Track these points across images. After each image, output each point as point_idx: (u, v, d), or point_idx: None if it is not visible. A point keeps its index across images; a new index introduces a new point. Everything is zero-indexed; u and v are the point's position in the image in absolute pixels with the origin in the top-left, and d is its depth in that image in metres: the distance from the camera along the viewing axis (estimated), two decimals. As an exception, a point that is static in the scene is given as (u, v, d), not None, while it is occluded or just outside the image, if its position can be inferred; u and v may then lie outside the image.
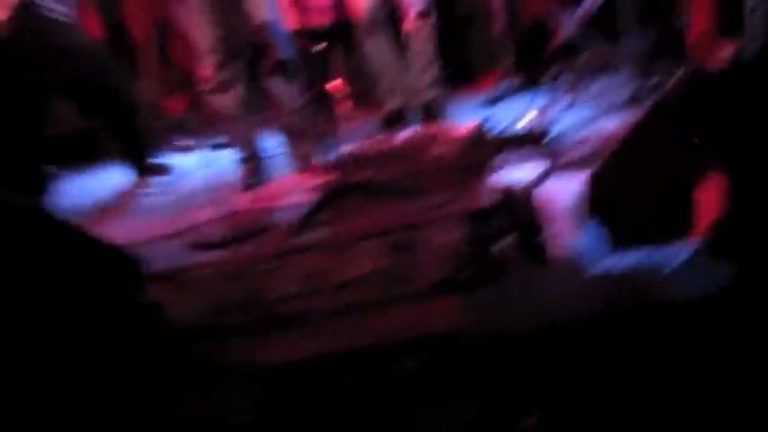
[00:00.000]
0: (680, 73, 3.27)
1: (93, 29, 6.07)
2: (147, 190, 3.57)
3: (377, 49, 3.62)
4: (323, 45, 4.61)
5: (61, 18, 3.57)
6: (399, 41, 3.77)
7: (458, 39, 4.76)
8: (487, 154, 2.49)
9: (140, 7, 5.26)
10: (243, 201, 2.86)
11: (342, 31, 4.51)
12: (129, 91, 3.95)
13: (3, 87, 3.45)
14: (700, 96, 1.69)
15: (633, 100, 3.13)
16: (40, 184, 3.67)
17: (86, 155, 4.96)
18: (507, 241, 2.06)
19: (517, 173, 2.31)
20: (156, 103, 5.38)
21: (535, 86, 3.83)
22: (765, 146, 1.55)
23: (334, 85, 4.66)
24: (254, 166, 3.11)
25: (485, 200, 2.16)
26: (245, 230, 2.42)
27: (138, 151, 3.93)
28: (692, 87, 1.71)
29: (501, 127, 2.88)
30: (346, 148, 2.85)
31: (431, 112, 3.61)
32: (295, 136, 3.08)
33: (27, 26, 3.43)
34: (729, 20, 3.59)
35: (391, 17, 3.70)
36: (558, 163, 2.41)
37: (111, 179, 4.02)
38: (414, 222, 2.13)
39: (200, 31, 2.85)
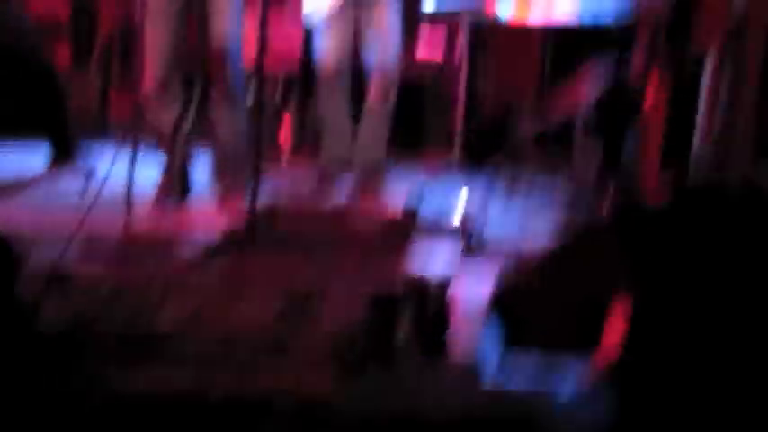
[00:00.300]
0: (613, 196, 3.40)
1: (58, 7, 5.96)
2: (64, 183, 3.38)
3: (332, 108, 3.59)
4: (279, 86, 4.61)
5: None
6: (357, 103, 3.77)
7: (415, 106, 4.82)
8: (411, 239, 2.44)
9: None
10: (152, 217, 2.72)
11: (302, 81, 4.52)
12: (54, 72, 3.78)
13: None
14: (632, 224, 1.67)
15: (569, 206, 3.16)
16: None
17: (15, 125, 4.77)
18: (407, 331, 1.99)
19: (436, 263, 2.26)
20: (102, 100, 5.26)
21: (477, 172, 3.83)
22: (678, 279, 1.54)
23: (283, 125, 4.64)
24: (171, 185, 2.98)
25: (395, 285, 2.10)
26: (142, 250, 2.29)
27: (61, 139, 3.74)
28: (626, 215, 1.69)
29: (431, 212, 2.85)
30: (273, 193, 2.76)
31: (369, 183, 3.57)
32: (223, 165, 2.97)
33: None
34: (675, 149, 3.75)
35: (353, 76, 3.69)
36: (479, 258, 2.37)
37: (34, 161, 3.82)
38: (316, 289, 2.04)
39: (156, 39, 2.75)
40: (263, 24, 2.25)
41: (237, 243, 2.29)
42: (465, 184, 3.68)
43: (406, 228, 2.59)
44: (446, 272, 2.22)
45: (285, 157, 4.52)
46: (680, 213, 1.61)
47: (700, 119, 3.59)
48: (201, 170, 3.17)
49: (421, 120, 4.88)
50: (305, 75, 4.33)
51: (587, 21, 3.33)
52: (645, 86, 3.76)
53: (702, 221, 1.54)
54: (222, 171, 2.99)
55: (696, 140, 3.54)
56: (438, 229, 2.73)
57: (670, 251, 1.49)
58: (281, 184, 3.56)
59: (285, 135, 4.60)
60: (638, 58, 3.55)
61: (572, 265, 1.68)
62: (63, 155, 3.75)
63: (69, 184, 3.38)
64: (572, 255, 1.62)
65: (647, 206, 2.09)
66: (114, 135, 4.73)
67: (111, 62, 5.41)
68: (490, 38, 4.22)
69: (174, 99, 2.93)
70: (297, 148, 4.59)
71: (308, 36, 4.18)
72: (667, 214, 1.64)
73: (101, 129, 4.96)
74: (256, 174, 2.29)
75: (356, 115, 3.70)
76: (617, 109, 3.80)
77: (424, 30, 4.65)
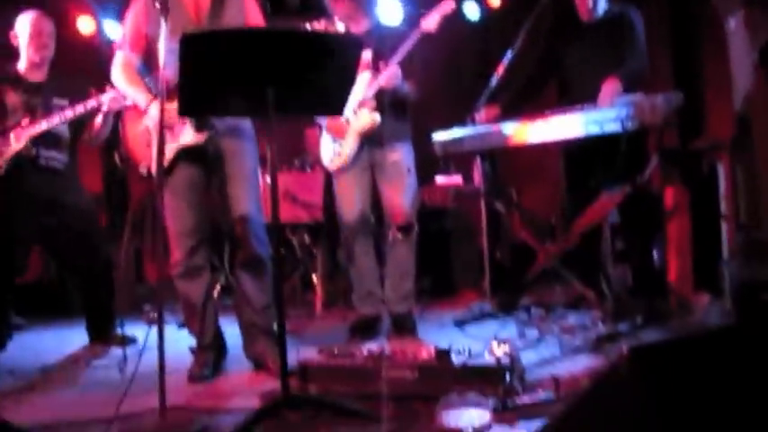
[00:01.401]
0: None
1: (94, 182, 6.28)
2: (101, 361, 3.45)
3: (358, 254, 3.65)
4: (305, 238, 4.73)
5: (59, 169, 3.63)
6: (381, 247, 3.83)
7: (442, 252, 4.88)
8: (444, 386, 2.41)
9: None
10: (187, 393, 2.73)
11: (327, 228, 4.63)
12: (109, 253, 3.93)
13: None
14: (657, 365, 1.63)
15: (601, 343, 3.11)
16: (3, 337, 3.57)
17: (53, 306, 4.93)
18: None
19: (469, 413, 2.22)
20: (136, 268, 5.43)
21: (507, 313, 3.84)
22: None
23: (313, 279, 4.71)
24: (206, 359, 3.00)
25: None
26: (183, 424, 2.30)
27: (105, 317, 3.85)
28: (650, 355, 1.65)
29: (464, 356, 2.83)
30: (306, 354, 2.78)
31: (402, 326, 3.58)
32: (254, 333, 3.00)
33: (20, 176, 3.49)
34: (706, 269, 3.71)
35: (377, 221, 3.77)
36: (512, 407, 2.33)
37: (71, 339, 3.92)
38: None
39: (177, 212, 2.85)
40: (274, 181, 2.32)
41: (274, 408, 2.28)
42: (497, 323, 3.72)
43: (440, 373, 2.56)
44: (481, 423, 2.19)
45: (317, 308, 4.57)
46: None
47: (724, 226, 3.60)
48: (233, 335, 3.21)
49: (448, 258, 4.94)
50: (330, 223, 4.45)
51: (594, 131, 3.40)
52: (663, 189, 3.80)
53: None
54: (253, 335, 3.01)
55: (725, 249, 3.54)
56: (471, 372, 2.70)
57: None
58: (314, 338, 3.59)
59: (315, 286, 4.67)
60: (652, 163, 3.60)
61: (600, 414, 1.64)
62: (102, 331, 3.84)
63: (109, 359, 3.45)
64: (599, 402, 1.58)
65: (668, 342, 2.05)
66: (148, 305, 4.86)
67: (144, 232, 5.62)
68: (504, 160, 4.32)
69: (201, 270, 3.00)
70: (328, 297, 4.65)
71: (329, 182, 4.35)
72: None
73: (135, 298, 5.11)
74: (282, 334, 2.31)
75: (384, 260, 3.77)
76: (639, 224, 3.82)
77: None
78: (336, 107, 2.46)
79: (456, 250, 4.95)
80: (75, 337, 3.91)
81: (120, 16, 6.04)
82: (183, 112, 2.43)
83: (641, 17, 3.82)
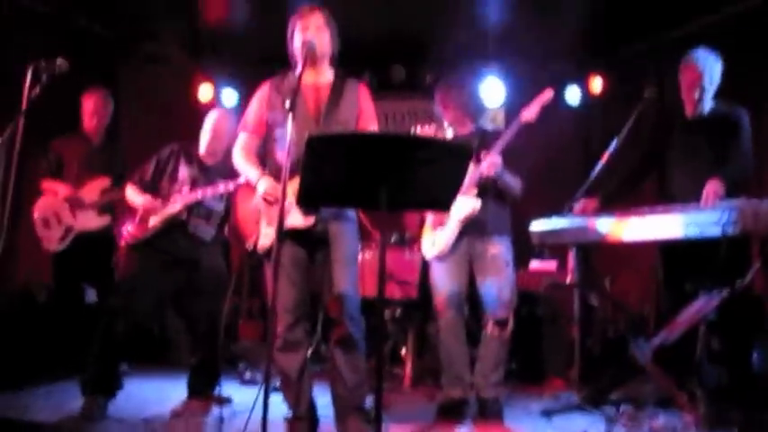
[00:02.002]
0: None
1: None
2: (200, 418, 3.61)
3: (450, 334, 3.73)
4: (399, 311, 4.83)
5: (204, 239, 4.01)
6: (473, 329, 3.89)
7: (533, 337, 4.88)
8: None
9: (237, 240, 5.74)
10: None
11: (420, 307, 4.73)
12: (221, 314, 4.18)
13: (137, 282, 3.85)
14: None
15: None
16: (113, 385, 3.82)
17: (155, 354, 5.20)
18: None
19: None
20: (233, 326, 5.66)
21: (596, 407, 3.79)
22: None
23: (402, 355, 4.79)
24: (299, 429, 3.11)
25: None
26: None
27: (209, 376, 4.04)
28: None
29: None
30: (394, 430, 2.85)
31: (489, 410, 3.61)
32: (345, 409, 3.11)
33: (169, 236, 3.90)
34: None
35: (471, 306, 3.84)
36: None
37: (172, 392, 4.13)
38: None
39: (280, 290, 2.97)
40: (383, 259, 2.45)
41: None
42: (585, 417, 3.68)
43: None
44: None
45: (405, 384, 4.64)
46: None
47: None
48: (326, 408, 3.32)
49: (539, 347, 4.93)
50: (423, 300, 4.55)
51: (693, 234, 3.38)
52: (766, 295, 3.70)
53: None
54: (345, 412, 3.11)
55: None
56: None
57: None
58: (402, 414, 3.66)
59: (404, 360, 4.76)
60: (753, 269, 3.53)
61: None
62: (202, 389, 4.03)
63: (208, 417, 3.63)
64: None
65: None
66: (243, 363, 5.06)
67: (241, 293, 5.89)
68: (599, 255, 4.32)
69: (299, 344, 3.14)
70: (417, 375, 4.72)
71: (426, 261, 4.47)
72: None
73: (230, 356, 5.32)
74: (378, 411, 2.39)
75: (474, 341, 3.83)
76: (739, 325, 3.73)
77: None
78: (444, 205, 2.60)
79: (546, 337, 4.95)
80: (175, 390, 4.12)
81: (237, 86, 6.57)
82: (303, 203, 2.62)
83: (749, 119, 3.80)
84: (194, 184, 3.95)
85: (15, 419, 3.40)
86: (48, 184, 4.65)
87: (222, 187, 3.86)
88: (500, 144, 3.62)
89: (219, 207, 4.06)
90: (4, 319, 4.41)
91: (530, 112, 3.66)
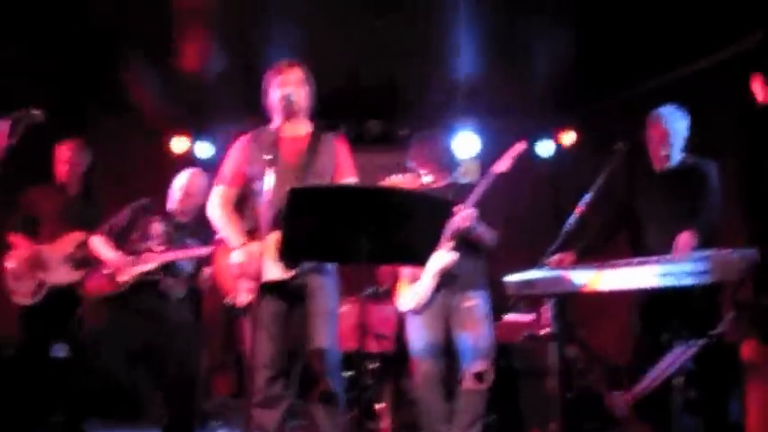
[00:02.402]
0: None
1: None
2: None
3: (427, 388, 3.70)
4: (375, 365, 4.78)
5: (175, 298, 3.96)
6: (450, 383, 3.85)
7: (510, 390, 4.84)
8: None
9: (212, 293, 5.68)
10: None
11: (397, 361, 4.69)
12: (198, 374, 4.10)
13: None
14: None
15: None
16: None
17: (125, 411, 5.05)
18: None
19: None
20: (206, 381, 5.55)
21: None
22: None
23: (379, 409, 4.73)
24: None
25: None
26: None
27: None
28: None
29: None
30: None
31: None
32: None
33: (139, 294, 3.84)
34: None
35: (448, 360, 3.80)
36: None
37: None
38: None
39: (258, 344, 2.93)
40: (363, 314, 2.43)
41: None
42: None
43: None
44: None
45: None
46: None
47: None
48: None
49: (517, 400, 4.91)
50: (400, 354, 4.51)
51: (668, 284, 3.42)
52: (739, 343, 3.74)
53: None
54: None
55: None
56: None
57: None
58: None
59: (382, 417, 4.69)
60: (727, 317, 3.57)
61: None
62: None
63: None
64: None
65: None
66: (217, 421, 4.95)
67: (215, 344, 5.80)
68: (575, 306, 4.34)
69: (279, 399, 3.09)
70: (395, 430, 4.64)
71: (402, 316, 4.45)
72: None
73: (203, 413, 5.20)
74: None
75: (452, 395, 3.79)
76: (715, 374, 3.75)
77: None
78: (422, 259, 2.61)
79: (524, 389, 4.92)
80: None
81: (213, 139, 6.58)
82: (284, 255, 2.62)
83: (717, 171, 3.89)
84: (167, 242, 3.92)
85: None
86: (14, 238, 4.54)
87: (198, 252, 3.86)
88: (474, 196, 3.65)
89: (189, 267, 4.03)
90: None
91: (502, 164, 3.72)
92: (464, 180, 4.09)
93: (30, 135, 3.17)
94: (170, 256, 3.88)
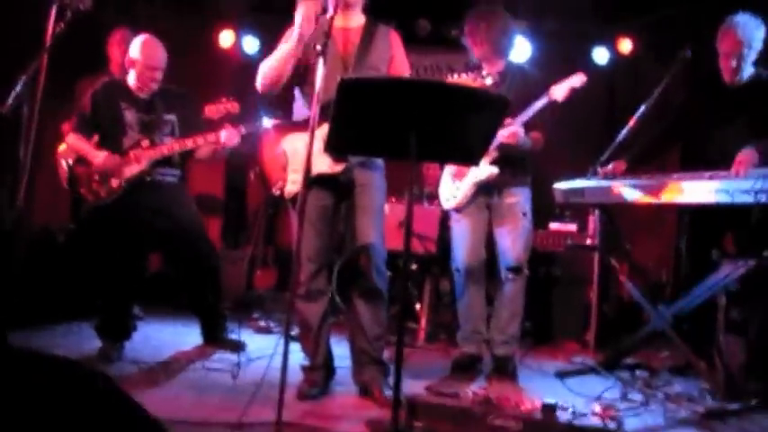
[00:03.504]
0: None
1: (216, 186, 6.62)
2: (214, 364, 3.63)
3: (468, 287, 3.69)
4: (416, 266, 4.82)
5: (171, 182, 3.85)
6: (489, 289, 3.86)
7: (547, 298, 4.86)
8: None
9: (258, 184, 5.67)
10: (297, 411, 2.86)
11: (438, 261, 4.71)
12: (217, 259, 4.12)
13: (107, 242, 3.73)
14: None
15: (709, 419, 3.03)
16: (127, 328, 3.84)
17: (168, 298, 5.21)
18: None
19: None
20: (247, 275, 5.67)
21: (612, 372, 3.78)
22: None
23: (418, 308, 4.79)
24: (315, 378, 3.14)
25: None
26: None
27: (215, 321, 4.06)
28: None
29: (567, 412, 2.84)
30: (409, 386, 2.84)
31: (503, 369, 3.60)
32: (364, 361, 3.11)
33: (137, 192, 3.71)
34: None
35: (489, 262, 3.79)
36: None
37: (186, 337, 4.17)
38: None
39: (304, 238, 2.90)
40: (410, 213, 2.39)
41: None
42: (598, 380, 3.66)
43: (545, 428, 2.59)
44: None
45: (420, 339, 4.64)
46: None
47: None
48: (342, 359, 3.33)
49: (550, 305, 4.92)
50: (441, 254, 4.53)
51: (724, 201, 3.32)
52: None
53: None
54: (363, 363, 3.12)
55: None
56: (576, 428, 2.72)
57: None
58: (416, 370, 3.67)
59: (418, 316, 4.75)
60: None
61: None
62: (214, 334, 4.05)
63: (222, 363, 3.64)
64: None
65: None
66: (258, 312, 5.08)
67: (257, 239, 5.87)
68: (620, 219, 4.26)
69: (321, 293, 3.14)
70: (433, 330, 4.72)
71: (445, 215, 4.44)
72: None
73: (246, 302, 5.34)
74: (399, 364, 2.36)
75: (491, 301, 3.81)
76: (762, 289, 3.67)
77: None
78: (473, 158, 2.55)
79: (561, 298, 4.93)
80: (189, 335, 4.16)
81: (259, 33, 6.46)
82: (332, 149, 2.58)
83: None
84: (149, 132, 3.76)
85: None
86: (68, 128, 4.56)
87: (192, 142, 3.72)
88: (523, 116, 3.53)
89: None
90: (25, 259, 4.41)
91: (559, 92, 3.57)
92: (519, 65, 3.91)
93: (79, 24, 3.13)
94: (157, 152, 3.71)
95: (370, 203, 3.06)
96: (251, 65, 5.65)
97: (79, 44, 3.56)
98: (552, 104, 3.59)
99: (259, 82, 3.09)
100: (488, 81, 3.08)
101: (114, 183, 3.70)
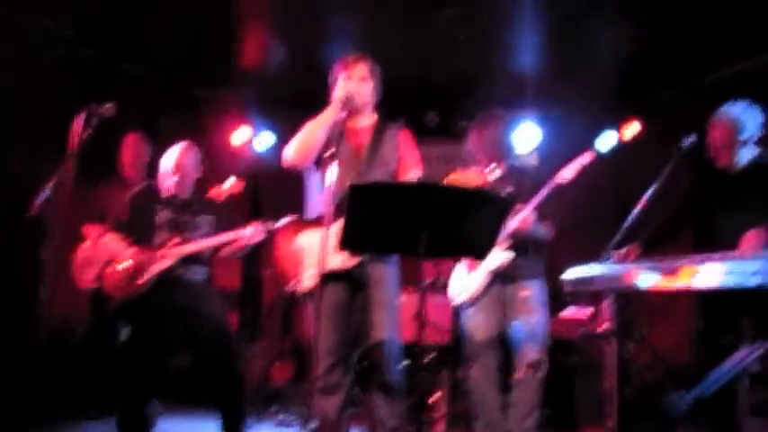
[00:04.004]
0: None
1: (233, 280, 6.69)
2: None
3: (483, 379, 3.70)
4: (432, 356, 4.81)
5: (199, 281, 3.93)
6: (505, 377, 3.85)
7: (566, 385, 4.81)
8: None
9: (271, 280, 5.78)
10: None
11: (453, 351, 4.71)
12: (241, 357, 4.14)
13: (133, 337, 3.79)
14: None
15: None
16: (147, 424, 3.85)
17: (188, 394, 5.20)
18: None
19: None
20: (265, 368, 5.67)
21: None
22: None
23: (434, 398, 4.76)
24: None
25: None
26: None
27: (237, 418, 4.02)
28: None
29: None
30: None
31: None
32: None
33: (163, 290, 3.79)
34: None
35: (504, 352, 3.79)
36: None
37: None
38: None
39: (321, 332, 2.99)
40: (423, 302, 2.45)
41: None
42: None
43: None
44: None
45: (438, 429, 4.59)
46: None
47: None
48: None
49: (570, 392, 4.87)
50: (456, 345, 4.53)
51: (732, 284, 3.33)
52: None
53: None
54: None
55: None
56: None
57: None
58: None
59: (435, 405, 4.72)
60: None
61: None
62: (234, 430, 4.03)
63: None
64: None
65: None
66: (275, 405, 5.06)
67: (274, 332, 5.91)
68: (637, 304, 4.27)
69: (338, 387, 3.15)
70: (451, 421, 4.68)
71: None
72: None
73: (265, 395, 5.32)
74: None
75: (507, 388, 3.79)
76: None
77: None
78: (481, 253, 2.62)
79: (580, 385, 4.88)
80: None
81: (274, 128, 6.68)
82: (345, 246, 2.67)
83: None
84: (176, 229, 3.87)
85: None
86: (89, 229, 4.67)
87: (218, 239, 3.82)
88: (534, 201, 3.63)
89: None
90: (42, 354, 4.45)
91: (568, 172, 3.67)
92: (523, 164, 4.03)
93: (103, 129, 3.30)
94: (185, 249, 3.81)
95: (385, 298, 3.12)
96: (264, 161, 5.86)
97: (101, 150, 3.72)
98: (562, 187, 3.66)
99: (290, 153, 3.17)
100: (493, 175, 3.19)
101: (141, 278, 3.78)
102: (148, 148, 4.97)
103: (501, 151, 3.79)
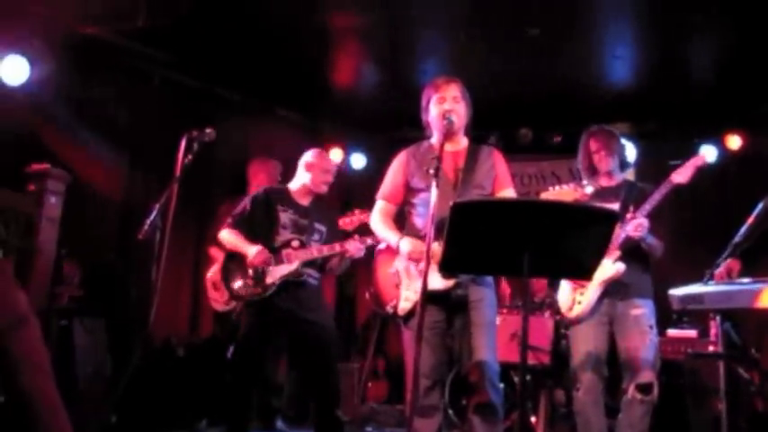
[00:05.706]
0: None
1: (327, 297, 6.78)
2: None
3: (588, 400, 3.57)
4: (531, 377, 4.73)
5: (314, 285, 4.03)
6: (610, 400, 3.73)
7: (676, 409, 4.61)
8: None
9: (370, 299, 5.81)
10: None
11: (551, 373, 4.61)
12: (338, 373, 4.17)
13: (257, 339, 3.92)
14: None
15: None
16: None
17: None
18: None
19: None
20: (360, 387, 5.70)
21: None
22: None
23: (534, 421, 4.67)
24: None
25: None
26: None
27: (335, 429, 4.04)
28: None
29: None
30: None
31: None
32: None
33: (284, 293, 3.92)
34: None
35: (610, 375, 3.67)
36: None
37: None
38: None
39: (419, 354, 2.94)
40: (525, 331, 2.41)
41: None
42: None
43: None
44: None
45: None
46: None
47: None
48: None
49: (683, 417, 4.66)
50: (555, 365, 4.44)
51: None
52: None
53: None
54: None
55: None
56: None
57: None
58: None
59: (537, 430, 4.63)
60: None
61: None
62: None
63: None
64: None
65: None
66: (371, 425, 5.08)
67: (368, 352, 5.93)
68: (745, 323, 4.06)
69: (435, 408, 3.14)
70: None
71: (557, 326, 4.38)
72: None
73: (361, 415, 5.35)
74: None
75: (612, 412, 3.66)
76: None
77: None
78: (587, 272, 2.55)
79: (690, 409, 4.66)
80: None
81: (365, 150, 6.77)
82: (446, 268, 2.66)
83: None
84: (300, 234, 3.99)
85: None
86: (215, 251, 4.82)
87: (338, 247, 3.94)
88: (648, 206, 3.52)
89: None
90: (147, 371, 4.64)
91: (682, 175, 3.56)
92: (633, 182, 3.93)
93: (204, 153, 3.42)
94: (307, 253, 3.93)
95: (484, 320, 3.09)
96: (358, 180, 5.94)
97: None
98: (676, 189, 3.55)
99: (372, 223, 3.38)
100: (588, 190, 3.12)
101: (269, 280, 3.91)
102: (279, 174, 5.13)
103: (620, 163, 3.74)
